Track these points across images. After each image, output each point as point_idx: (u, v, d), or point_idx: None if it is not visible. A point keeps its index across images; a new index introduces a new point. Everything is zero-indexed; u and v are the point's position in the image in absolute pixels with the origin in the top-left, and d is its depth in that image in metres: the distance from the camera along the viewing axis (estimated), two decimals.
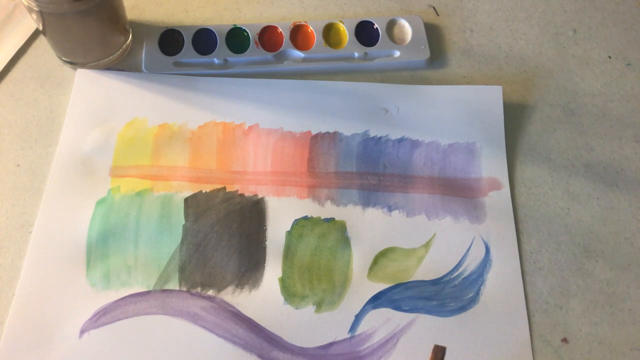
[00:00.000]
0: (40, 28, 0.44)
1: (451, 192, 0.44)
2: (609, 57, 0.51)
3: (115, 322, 0.38)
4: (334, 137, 0.46)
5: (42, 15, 0.42)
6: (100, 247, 0.40)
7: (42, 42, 0.49)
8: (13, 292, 0.39)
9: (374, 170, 0.45)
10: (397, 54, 0.49)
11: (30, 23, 0.49)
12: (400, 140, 0.46)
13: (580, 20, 0.53)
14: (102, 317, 0.38)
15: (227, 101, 0.46)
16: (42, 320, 0.38)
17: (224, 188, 0.43)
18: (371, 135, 0.46)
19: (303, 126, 0.46)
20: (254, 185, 0.43)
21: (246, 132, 0.45)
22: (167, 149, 0.44)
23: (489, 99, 0.47)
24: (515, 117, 0.48)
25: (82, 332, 0.38)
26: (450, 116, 0.47)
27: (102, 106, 0.46)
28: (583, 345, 0.39)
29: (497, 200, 0.44)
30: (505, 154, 0.45)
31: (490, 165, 0.45)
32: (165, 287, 0.40)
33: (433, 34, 0.51)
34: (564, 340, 0.39)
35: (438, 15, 0.52)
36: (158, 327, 0.38)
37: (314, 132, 0.46)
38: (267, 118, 0.46)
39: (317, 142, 0.45)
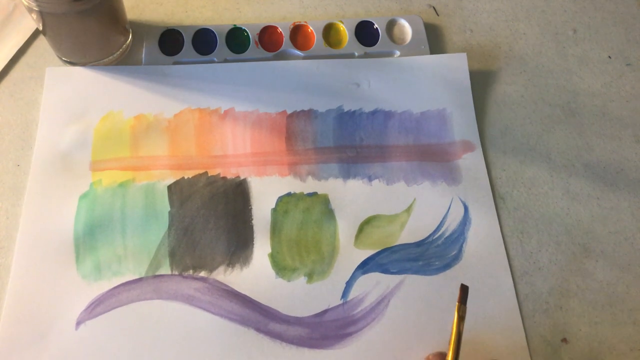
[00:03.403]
0: (40, 28, 0.43)
1: (427, 157, 0.45)
2: (609, 57, 0.51)
3: (110, 310, 0.39)
4: (309, 114, 0.46)
5: (42, 15, 0.41)
6: (88, 240, 0.41)
7: (42, 42, 0.48)
8: None
9: (351, 143, 0.46)
10: (397, 53, 0.50)
11: (30, 23, 0.49)
12: (374, 112, 0.47)
13: (580, 20, 0.53)
14: (97, 307, 0.39)
15: (200, 88, 0.47)
16: (36, 316, 0.38)
17: (206, 172, 0.44)
18: (345, 110, 0.47)
19: (278, 106, 0.47)
20: (235, 167, 0.44)
21: (222, 117, 0.46)
22: (145, 140, 0.45)
23: (455, 66, 0.49)
24: (515, 117, 0.48)
25: (78, 323, 0.38)
26: (420, 85, 0.48)
27: (76, 102, 0.46)
28: (583, 345, 0.40)
29: (471, 161, 0.45)
30: (475, 117, 0.47)
31: (462, 129, 0.46)
32: (157, 273, 0.40)
33: (433, 34, 0.51)
34: (564, 340, 0.40)
35: (438, 15, 0.52)
36: (154, 311, 0.39)
37: (289, 112, 0.46)
38: (242, 101, 0.47)
39: (293, 121, 0.46)
